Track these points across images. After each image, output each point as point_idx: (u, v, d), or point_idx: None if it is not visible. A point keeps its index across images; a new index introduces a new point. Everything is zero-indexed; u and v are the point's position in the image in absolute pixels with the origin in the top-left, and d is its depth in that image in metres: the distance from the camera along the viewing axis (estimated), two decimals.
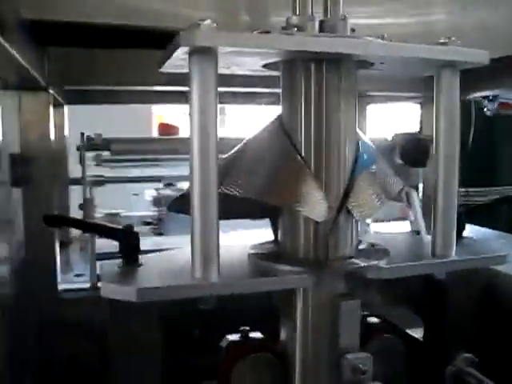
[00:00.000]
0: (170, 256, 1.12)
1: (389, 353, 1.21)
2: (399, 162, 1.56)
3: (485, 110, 2.09)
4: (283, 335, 1.14)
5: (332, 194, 1.04)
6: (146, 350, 1.14)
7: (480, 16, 1.40)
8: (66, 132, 1.70)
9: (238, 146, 1.13)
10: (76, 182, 1.89)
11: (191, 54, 0.91)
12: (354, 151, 1.07)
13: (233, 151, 1.13)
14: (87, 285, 1.30)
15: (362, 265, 1.05)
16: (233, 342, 1.16)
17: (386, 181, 1.11)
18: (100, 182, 1.99)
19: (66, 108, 1.79)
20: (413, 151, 1.42)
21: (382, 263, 1.06)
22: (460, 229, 1.26)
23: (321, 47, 0.93)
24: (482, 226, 2.24)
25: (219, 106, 0.94)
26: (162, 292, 0.95)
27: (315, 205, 1.01)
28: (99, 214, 2.28)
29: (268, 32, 0.98)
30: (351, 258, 1.07)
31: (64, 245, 1.83)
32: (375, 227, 2.04)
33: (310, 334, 1.07)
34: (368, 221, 2.14)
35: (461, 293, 1.32)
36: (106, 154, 1.71)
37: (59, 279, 1.39)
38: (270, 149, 1.08)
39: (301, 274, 1.02)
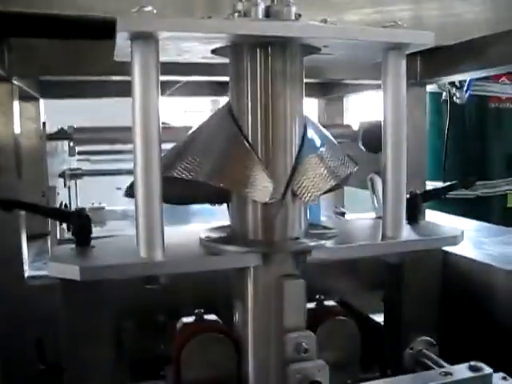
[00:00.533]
0: (123, 239, 1.14)
1: (342, 335, 1.23)
2: (363, 148, 1.58)
3: (454, 98, 2.10)
4: (235, 317, 1.16)
5: (279, 176, 1.06)
6: (100, 338, 1.16)
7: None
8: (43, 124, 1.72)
9: (190, 131, 1.15)
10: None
11: (132, 40, 0.93)
12: (300, 135, 1.09)
13: (184, 137, 1.15)
14: None
15: (309, 244, 1.06)
16: (185, 323, 1.19)
17: (334, 164, 1.12)
18: (78, 174, 2.03)
19: (41, 101, 1.83)
20: (372, 138, 1.43)
21: (329, 244, 1.08)
22: (416, 212, 1.28)
23: (257, 31, 0.95)
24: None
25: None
26: (106, 271, 0.98)
27: (261, 188, 1.03)
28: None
29: (209, 17, 1.01)
30: (298, 238, 1.09)
31: (43, 236, 1.86)
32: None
33: (259, 314, 1.09)
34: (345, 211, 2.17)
35: (418, 276, 1.33)
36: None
37: (26, 266, 1.42)
38: (219, 134, 1.10)
39: (246, 254, 1.04)
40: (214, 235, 1.13)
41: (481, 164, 3.48)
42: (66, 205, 1.92)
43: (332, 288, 1.44)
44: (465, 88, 2.03)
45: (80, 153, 1.73)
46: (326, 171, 1.10)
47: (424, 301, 1.34)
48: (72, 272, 0.96)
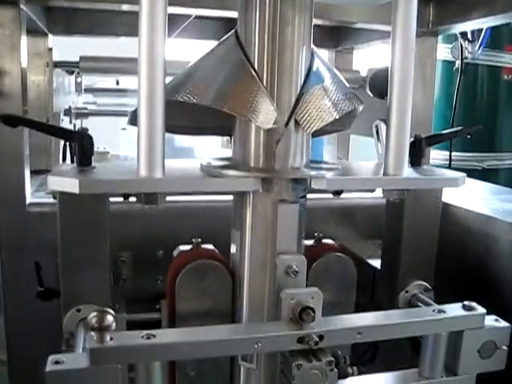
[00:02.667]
0: (125, 163, 1.15)
1: (339, 271, 1.23)
2: (370, 94, 1.57)
3: (466, 53, 2.07)
4: (232, 248, 1.17)
5: (283, 105, 1.05)
6: (96, 265, 1.17)
7: None
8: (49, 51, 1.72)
9: (196, 59, 1.15)
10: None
11: None
12: (307, 65, 1.09)
13: (190, 64, 1.15)
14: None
15: (309, 173, 1.06)
16: (182, 251, 1.19)
17: (339, 98, 1.11)
18: (84, 114, 2.02)
19: (50, 38, 1.82)
20: (380, 83, 1.43)
21: (329, 175, 1.08)
22: (419, 156, 1.27)
23: None
24: None
25: None
26: (105, 185, 0.98)
27: (264, 114, 1.03)
28: None
29: None
30: (299, 169, 1.09)
31: (47, 171, 1.86)
32: None
33: (256, 241, 1.09)
34: None
35: (417, 225, 1.33)
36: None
37: (28, 193, 1.43)
38: (225, 61, 1.10)
39: (246, 178, 1.04)
40: (216, 163, 1.13)
41: (490, 136, 3.46)
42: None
43: (331, 236, 1.44)
44: (479, 42, 2.00)
45: (87, 90, 1.72)
46: (330, 103, 1.09)
47: (422, 249, 1.34)
48: (71, 185, 0.96)
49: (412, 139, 1.26)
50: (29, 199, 1.42)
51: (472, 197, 1.70)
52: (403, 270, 1.34)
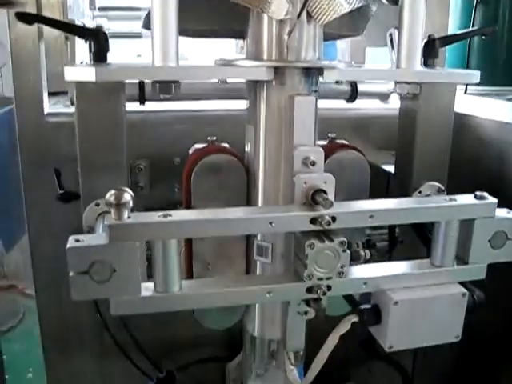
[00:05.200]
0: (140, 63, 1.15)
1: (352, 167, 1.24)
2: (385, 1, 1.55)
3: None
4: (246, 142, 1.19)
5: None
6: (115, 172, 1.19)
7: None
8: None
9: None
10: None
11: None
12: None
13: None
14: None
15: (321, 63, 1.07)
16: (197, 148, 1.21)
17: None
18: None
19: None
20: None
21: (342, 65, 1.09)
22: (433, 56, 1.27)
23: None
24: None
25: None
26: (121, 72, 1.00)
27: (277, 4, 1.03)
28: None
29: None
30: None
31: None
32: None
33: (271, 134, 1.11)
34: None
35: (430, 129, 1.33)
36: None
37: (46, 104, 1.45)
38: None
39: (258, 67, 1.05)
40: (229, 58, 1.14)
41: (509, 70, 3.39)
42: None
43: None
44: None
45: (100, 8, 1.72)
46: None
47: (435, 154, 1.34)
48: (87, 74, 0.98)
49: (426, 40, 1.26)
50: (47, 109, 1.45)
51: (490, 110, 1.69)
52: (417, 173, 1.35)
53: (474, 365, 1.70)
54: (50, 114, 1.45)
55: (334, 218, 0.99)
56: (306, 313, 1.11)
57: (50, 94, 1.58)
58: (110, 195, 0.91)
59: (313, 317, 1.10)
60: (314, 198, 0.99)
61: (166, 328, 1.70)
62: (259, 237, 1.17)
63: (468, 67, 2.71)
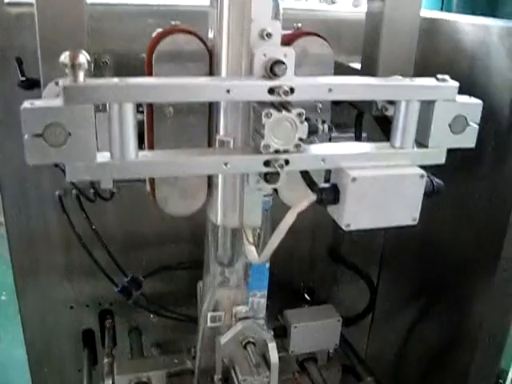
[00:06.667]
0: None
1: (316, 54, 1.23)
2: None
3: None
4: (210, 27, 1.17)
5: None
6: None
7: None
8: None
9: None
10: None
11: None
12: None
13: None
14: None
15: None
16: (159, 32, 1.18)
17: None
18: None
19: None
20: None
21: None
22: None
23: None
24: None
25: None
26: None
27: None
28: None
29: None
30: None
31: None
32: None
33: (232, 11, 1.08)
34: None
35: (395, 30, 1.30)
36: None
37: None
38: None
39: None
40: None
41: None
42: None
43: None
44: None
45: None
46: None
47: (401, 54, 1.31)
48: None
49: None
50: None
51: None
52: (382, 72, 1.33)
53: (436, 277, 1.74)
54: (10, 4, 1.41)
55: (292, 90, 0.98)
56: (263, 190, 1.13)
57: None
58: (65, 56, 0.90)
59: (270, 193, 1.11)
60: (273, 69, 0.99)
61: (133, 232, 1.72)
62: (221, 131, 1.16)
63: None
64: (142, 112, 1.21)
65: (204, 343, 1.50)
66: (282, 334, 1.70)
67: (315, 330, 1.73)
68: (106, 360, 1.72)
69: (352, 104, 1.48)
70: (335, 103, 1.38)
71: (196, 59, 1.15)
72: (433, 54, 1.53)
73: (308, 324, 1.72)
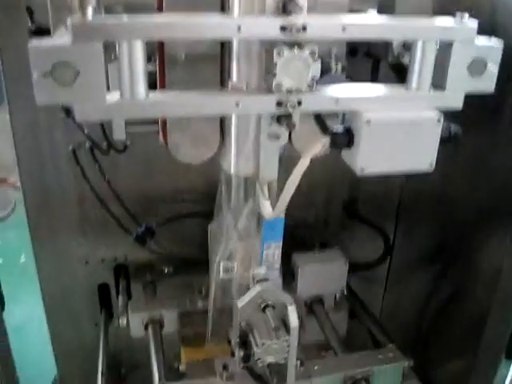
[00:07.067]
0: None
1: None
2: None
3: None
4: None
5: None
6: None
7: None
8: None
9: None
10: None
11: None
12: None
13: None
14: None
15: None
16: None
17: None
18: None
19: None
20: None
21: None
22: None
23: None
24: None
25: None
26: None
27: None
28: None
29: None
30: None
31: None
32: None
33: None
34: None
35: None
36: None
37: None
38: None
39: None
40: None
41: None
42: None
43: None
44: None
45: None
46: None
47: None
48: None
49: None
50: None
51: None
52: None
53: (453, 231, 1.72)
54: None
55: (304, 27, 0.96)
56: (278, 137, 1.10)
57: None
58: None
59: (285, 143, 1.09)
60: (286, 6, 0.96)
61: (147, 183, 1.71)
62: (234, 77, 1.13)
63: None
64: (154, 61, 1.19)
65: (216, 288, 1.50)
66: (289, 277, 1.71)
67: (322, 273, 1.73)
68: (120, 299, 1.76)
69: (368, 53, 1.45)
70: (351, 53, 1.36)
71: None
72: None
73: (315, 266, 1.72)
